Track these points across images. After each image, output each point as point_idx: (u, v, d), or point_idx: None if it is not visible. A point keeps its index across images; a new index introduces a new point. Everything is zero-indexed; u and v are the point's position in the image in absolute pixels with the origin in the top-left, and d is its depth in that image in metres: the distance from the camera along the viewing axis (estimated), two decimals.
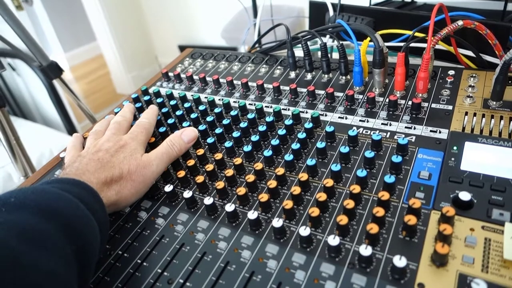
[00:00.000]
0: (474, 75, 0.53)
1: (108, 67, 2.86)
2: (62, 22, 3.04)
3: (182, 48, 2.64)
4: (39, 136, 1.72)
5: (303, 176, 0.42)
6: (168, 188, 0.45)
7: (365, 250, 0.34)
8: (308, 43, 0.62)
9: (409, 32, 0.58)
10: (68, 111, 1.82)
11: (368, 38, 0.56)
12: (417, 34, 0.56)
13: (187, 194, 0.44)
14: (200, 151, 0.50)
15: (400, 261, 0.32)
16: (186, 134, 0.50)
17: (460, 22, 0.48)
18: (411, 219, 0.35)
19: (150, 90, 0.69)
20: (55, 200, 0.36)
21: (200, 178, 0.46)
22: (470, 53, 0.56)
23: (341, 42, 0.58)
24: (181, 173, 0.47)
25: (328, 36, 0.70)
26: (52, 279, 0.30)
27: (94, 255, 0.37)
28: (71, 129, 1.81)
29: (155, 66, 2.94)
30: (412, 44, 0.56)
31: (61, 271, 0.32)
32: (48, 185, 0.38)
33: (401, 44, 0.61)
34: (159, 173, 0.47)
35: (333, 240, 0.35)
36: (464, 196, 0.37)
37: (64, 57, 3.20)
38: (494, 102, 0.47)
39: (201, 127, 0.54)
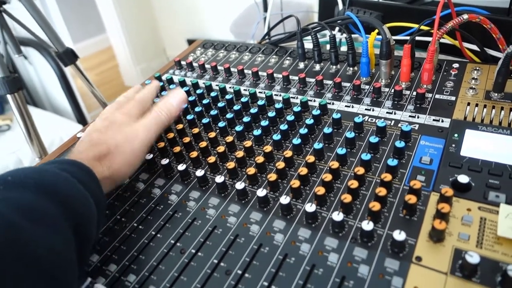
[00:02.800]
0: (477, 68, 0.55)
1: (117, 60, 2.89)
2: (72, 13, 3.07)
3: (190, 42, 2.66)
4: (50, 124, 1.75)
5: (310, 159, 0.45)
6: (181, 167, 0.48)
7: (367, 225, 0.36)
8: (317, 35, 0.64)
9: (415, 26, 0.60)
10: (78, 100, 1.85)
11: (376, 31, 0.58)
12: (423, 27, 0.58)
13: (199, 173, 0.46)
14: (212, 134, 0.52)
15: (399, 235, 0.34)
16: (173, 96, 0.50)
17: (465, 16, 0.50)
18: (411, 198, 0.37)
19: (163, 77, 0.71)
20: (53, 179, 0.36)
21: (211, 159, 0.48)
22: (474, 47, 0.58)
23: (349, 34, 0.60)
24: (194, 154, 0.50)
25: (337, 29, 0.72)
26: (53, 254, 0.31)
27: (92, 233, 0.38)
28: (81, 118, 1.85)
29: (163, 59, 2.97)
30: (418, 38, 0.58)
31: (60, 246, 0.32)
32: (46, 165, 0.40)
33: (408, 37, 0.62)
34: (149, 141, 0.47)
35: (337, 216, 0.38)
36: (463, 179, 0.39)
37: (73, 48, 3.23)
38: (496, 94, 0.49)
39: (213, 112, 0.56)
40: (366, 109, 0.53)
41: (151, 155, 0.51)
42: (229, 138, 0.51)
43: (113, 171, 0.45)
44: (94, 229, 0.38)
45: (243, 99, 0.58)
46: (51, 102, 2.11)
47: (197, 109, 0.58)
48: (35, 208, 0.33)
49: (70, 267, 0.33)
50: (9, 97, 0.84)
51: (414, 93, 0.54)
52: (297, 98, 0.58)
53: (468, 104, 0.50)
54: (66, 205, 0.35)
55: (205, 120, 0.55)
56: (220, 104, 0.57)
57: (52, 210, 0.34)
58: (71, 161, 0.41)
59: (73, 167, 0.40)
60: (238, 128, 0.52)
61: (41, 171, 0.37)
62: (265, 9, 1.33)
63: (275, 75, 0.64)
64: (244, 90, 0.63)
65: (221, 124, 0.54)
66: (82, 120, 1.86)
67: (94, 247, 0.43)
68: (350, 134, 0.47)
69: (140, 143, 0.47)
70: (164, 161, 0.49)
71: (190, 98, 0.60)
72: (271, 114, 0.53)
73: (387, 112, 0.52)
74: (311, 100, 0.57)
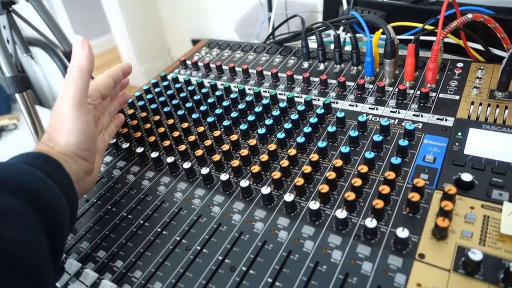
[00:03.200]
0: (482, 67, 0.55)
1: (121, 60, 2.90)
2: (77, 13, 3.09)
3: (195, 42, 2.67)
4: None
5: (314, 157, 0.45)
6: (187, 165, 0.48)
7: (371, 223, 0.36)
8: (322, 35, 0.65)
9: (420, 25, 0.60)
10: None
11: (380, 30, 0.58)
12: (427, 27, 0.58)
13: (204, 171, 0.47)
14: (217, 133, 0.53)
15: (402, 232, 0.35)
16: (75, 48, 0.47)
17: (469, 15, 0.50)
18: (414, 196, 0.37)
19: (169, 77, 0.72)
20: (19, 174, 0.36)
21: (216, 157, 0.49)
22: (479, 46, 0.58)
23: (354, 34, 0.60)
24: (199, 152, 0.50)
25: (341, 28, 0.72)
26: (25, 248, 0.31)
27: (64, 227, 0.38)
28: None
29: (168, 59, 2.98)
30: (423, 37, 0.58)
31: (32, 240, 0.32)
32: (11, 160, 0.39)
33: (412, 37, 0.63)
34: (74, 100, 0.45)
35: (341, 214, 0.38)
36: (466, 177, 0.39)
37: None
38: (500, 93, 0.49)
39: (218, 111, 0.57)
40: (370, 108, 0.54)
41: (157, 153, 0.51)
42: (234, 137, 0.51)
43: (63, 145, 0.44)
44: (66, 222, 0.38)
45: (248, 98, 0.58)
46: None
47: (202, 108, 0.59)
48: (1, 205, 0.32)
49: (43, 260, 0.33)
50: (17, 96, 0.85)
51: (418, 92, 0.54)
52: (301, 97, 0.59)
53: (472, 103, 0.50)
54: (34, 200, 0.35)
55: (210, 119, 0.55)
56: (225, 103, 0.58)
57: (19, 206, 0.33)
58: (36, 154, 0.41)
59: (38, 160, 0.39)
60: (243, 126, 0.53)
61: (7, 167, 0.37)
62: (270, 9, 1.33)
63: (279, 74, 0.65)
64: (249, 89, 0.63)
65: (226, 122, 0.54)
66: None
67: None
68: (354, 133, 0.47)
69: (68, 108, 0.44)
70: (170, 159, 0.50)
71: (196, 97, 0.61)
72: (276, 113, 0.54)
73: (391, 111, 0.52)
74: (315, 99, 0.58)
